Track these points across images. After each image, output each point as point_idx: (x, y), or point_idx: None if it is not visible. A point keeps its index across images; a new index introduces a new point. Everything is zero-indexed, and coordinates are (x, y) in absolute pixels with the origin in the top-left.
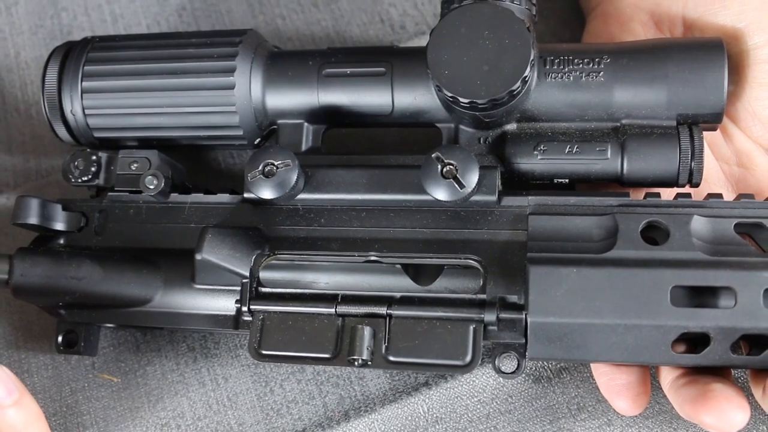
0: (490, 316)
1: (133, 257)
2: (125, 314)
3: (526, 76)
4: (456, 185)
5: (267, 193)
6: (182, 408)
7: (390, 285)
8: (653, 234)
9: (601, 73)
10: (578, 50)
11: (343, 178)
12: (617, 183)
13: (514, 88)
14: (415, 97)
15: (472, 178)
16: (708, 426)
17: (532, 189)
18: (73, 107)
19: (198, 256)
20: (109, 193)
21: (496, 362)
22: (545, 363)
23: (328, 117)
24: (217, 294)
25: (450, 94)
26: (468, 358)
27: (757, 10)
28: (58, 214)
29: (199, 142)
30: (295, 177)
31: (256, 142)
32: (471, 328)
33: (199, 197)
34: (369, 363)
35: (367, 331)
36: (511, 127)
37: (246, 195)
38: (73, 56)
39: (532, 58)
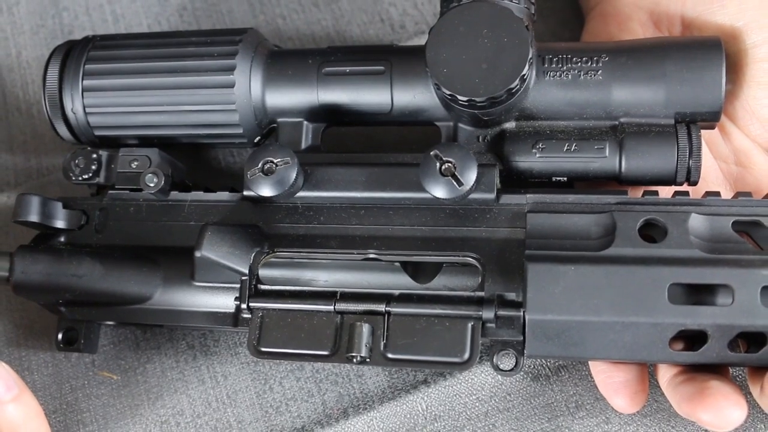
0: (488, 314)
1: (133, 255)
2: (125, 312)
3: (524, 75)
4: (454, 183)
5: (266, 190)
6: (182, 405)
7: (389, 282)
8: (651, 232)
9: (600, 71)
10: (577, 49)
11: (342, 176)
12: (615, 181)
13: (512, 86)
14: (414, 96)
15: (471, 176)
16: (705, 423)
17: (531, 187)
18: (74, 106)
19: (197, 254)
20: (110, 191)
21: (494, 360)
22: (543, 361)
23: (327, 115)
24: (217, 291)
25: (449, 93)
26: (466, 355)
27: (755, 9)
28: (58, 212)
29: (199, 140)
30: (294, 175)
31: (255, 141)
32: (469, 325)
33: (198, 195)
34: (367, 360)
35: (365, 329)
36: (510, 125)
37: (245, 193)
38: (74, 55)
39: (530, 56)
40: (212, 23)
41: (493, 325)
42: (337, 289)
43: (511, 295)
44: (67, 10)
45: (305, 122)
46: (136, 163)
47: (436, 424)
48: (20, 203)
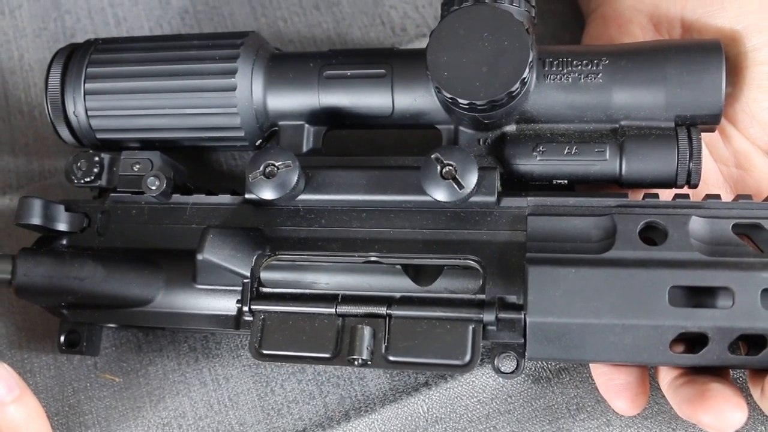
0: (489, 316)
1: (135, 257)
2: (127, 314)
3: (524, 78)
4: (455, 186)
5: (268, 193)
6: (184, 408)
7: (390, 285)
8: (652, 234)
9: (600, 74)
10: (577, 52)
11: (344, 179)
12: (616, 184)
13: (513, 89)
14: (414, 99)
15: (472, 179)
16: (706, 425)
17: (531, 190)
18: (76, 109)
19: (199, 257)
20: (112, 194)
21: (495, 362)
22: (544, 363)
23: (328, 118)
24: (219, 294)
25: (449, 96)
26: (467, 357)
27: (755, 13)
28: (60, 214)
29: (200, 143)
30: (295, 178)
31: (257, 144)
32: (470, 327)
33: (200, 198)
34: (369, 363)
35: (367, 331)
36: (511, 128)
37: (247, 196)
38: (76, 58)
39: (530, 59)
40: (214, 26)
41: (494, 327)
42: (338, 292)
43: (512, 298)
44: (69, 13)
45: (306, 125)
46: (137, 166)
47: (437, 427)
48: (22, 206)
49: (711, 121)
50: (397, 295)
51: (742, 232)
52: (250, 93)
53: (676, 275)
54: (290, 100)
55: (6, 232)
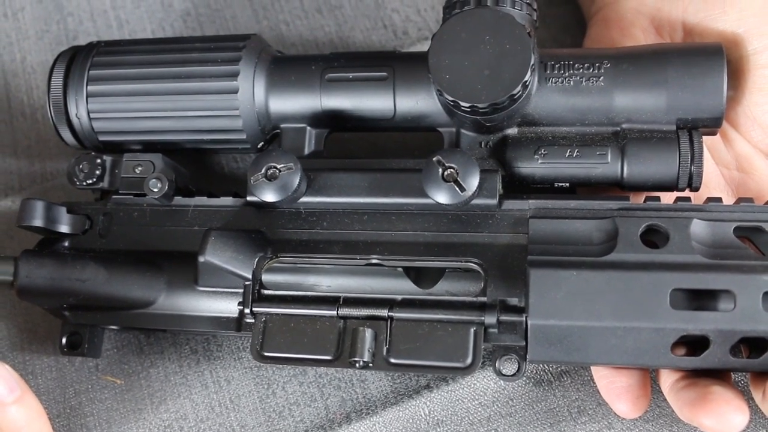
0: (490, 319)
1: (137, 259)
2: (129, 316)
3: (526, 81)
4: (457, 189)
5: (270, 196)
6: (185, 410)
7: (391, 288)
8: (653, 237)
9: (602, 77)
10: (579, 55)
11: (345, 182)
12: (617, 187)
13: (514, 92)
14: (416, 102)
15: (473, 182)
16: (707, 428)
17: (533, 193)
18: (78, 111)
19: (201, 259)
20: (114, 196)
21: (496, 365)
22: (546, 366)
23: (330, 121)
24: (220, 296)
25: (451, 99)
26: (469, 360)
27: (756, 16)
28: (62, 216)
29: (202, 145)
30: (297, 180)
31: (259, 146)
32: (472, 330)
33: (202, 200)
34: (370, 365)
35: (368, 333)
36: (512, 131)
37: (249, 198)
38: (78, 61)
39: (532, 62)
40: (216, 29)
41: (495, 330)
42: (340, 294)
43: (514, 301)
44: (71, 15)
45: (308, 128)
46: (140, 168)
47: (438, 429)
48: (24, 208)
49: (712, 125)
50: (399, 297)
51: (744, 235)
52: (252, 96)
53: (678, 278)
54: (292, 103)
55: (8, 234)
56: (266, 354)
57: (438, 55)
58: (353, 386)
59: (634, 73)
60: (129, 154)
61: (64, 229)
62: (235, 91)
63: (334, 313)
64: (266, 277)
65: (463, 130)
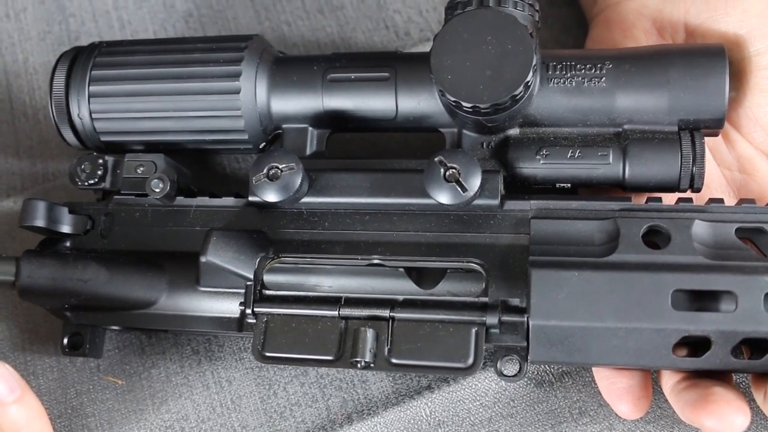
0: (492, 319)
1: (139, 260)
2: (130, 316)
3: (528, 81)
4: (459, 189)
5: (271, 196)
6: (186, 410)
7: (393, 288)
8: (655, 238)
9: (603, 78)
10: (580, 56)
11: (347, 182)
12: (619, 188)
13: (516, 92)
14: (418, 102)
15: (475, 182)
16: (709, 429)
17: (535, 193)
18: (80, 111)
19: (203, 259)
20: (115, 197)
21: (498, 365)
22: (547, 367)
23: (332, 121)
24: (222, 297)
25: (453, 99)
26: (470, 360)
27: (758, 17)
28: (64, 217)
29: (204, 146)
30: (299, 180)
31: (261, 147)
32: (473, 330)
33: (204, 201)
34: (371, 365)
35: (369, 334)
36: (514, 131)
37: (251, 198)
38: (80, 61)
39: (534, 63)
40: (218, 30)
41: (497, 330)
42: (341, 295)
43: (515, 301)
44: (73, 16)
45: (310, 128)
46: (141, 168)
47: (439, 430)
48: (26, 208)
49: (714, 126)
50: (400, 297)
51: (746, 236)
52: (254, 96)
53: (679, 279)
54: (294, 103)
55: (10, 234)
56: (268, 354)
57: (440, 55)
58: (354, 387)
59: (636, 74)
60: (131, 154)
61: (65, 229)
62: (237, 92)
63: (336, 313)
64: (268, 278)
65: (464, 131)
